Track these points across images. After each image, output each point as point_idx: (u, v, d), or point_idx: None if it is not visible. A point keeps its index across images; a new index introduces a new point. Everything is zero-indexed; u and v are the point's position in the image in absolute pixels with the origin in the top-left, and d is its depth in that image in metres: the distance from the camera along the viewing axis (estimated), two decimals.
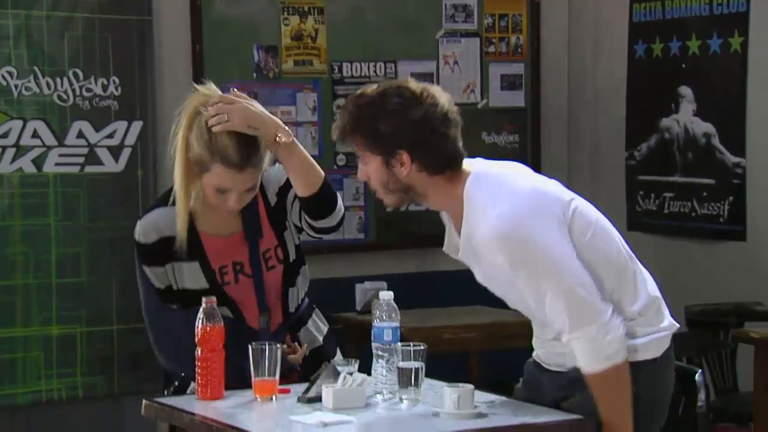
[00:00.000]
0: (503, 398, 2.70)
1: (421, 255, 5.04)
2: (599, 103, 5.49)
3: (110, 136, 4.63)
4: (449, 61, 5.28)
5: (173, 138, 2.84)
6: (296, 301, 2.98)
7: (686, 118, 5.03)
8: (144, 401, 2.75)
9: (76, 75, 4.56)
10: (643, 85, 5.24)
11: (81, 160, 4.58)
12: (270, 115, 2.83)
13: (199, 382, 2.70)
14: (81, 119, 4.57)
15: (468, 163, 2.62)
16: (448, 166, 2.56)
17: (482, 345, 4.40)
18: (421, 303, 4.68)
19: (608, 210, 5.88)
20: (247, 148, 2.77)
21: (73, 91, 4.56)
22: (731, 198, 4.83)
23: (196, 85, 2.91)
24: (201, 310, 2.71)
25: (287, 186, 2.91)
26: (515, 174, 2.63)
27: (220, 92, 2.88)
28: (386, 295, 2.76)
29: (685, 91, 5.03)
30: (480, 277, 2.65)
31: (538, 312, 2.59)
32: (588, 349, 2.50)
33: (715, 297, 4.74)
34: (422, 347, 2.63)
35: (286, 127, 2.82)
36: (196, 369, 2.70)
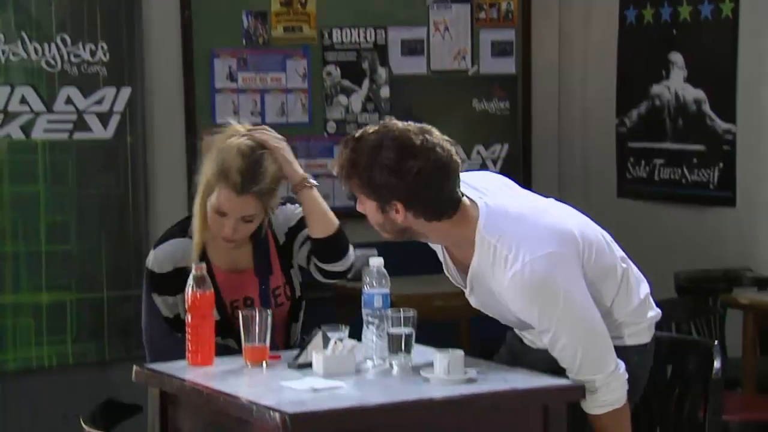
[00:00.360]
0: (493, 364, 2.71)
1: None
2: (590, 69, 5.48)
3: (99, 102, 4.60)
4: (440, 27, 5.26)
5: (198, 169, 2.90)
6: (297, 335, 3.03)
7: (677, 85, 5.02)
8: (134, 367, 2.75)
9: (63, 41, 4.53)
10: (634, 51, 5.23)
11: (70, 126, 4.56)
12: None
13: (189, 348, 2.70)
14: (69, 85, 4.55)
15: (469, 197, 2.59)
16: (444, 214, 2.56)
17: (473, 312, 4.41)
18: (412, 270, 4.69)
19: (598, 177, 5.93)
20: (250, 174, 2.80)
21: (61, 56, 4.53)
22: (721, 164, 4.83)
23: (230, 121, 2.95)
24: (191, 276, 2.70)
25: (297, 227, 2.97)
26: (525, 209, 2.61)
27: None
28: (376, 262, 2.76)
29: (676, 57, 5.01)
30: (475, 303, 2.70)
31: (531, 329, 2.63)
32: (593, 395, 2.57)
33: (705, 263, 4.75)
34: (412, 313, 2.64)
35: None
36: (186, 336, 2.71)
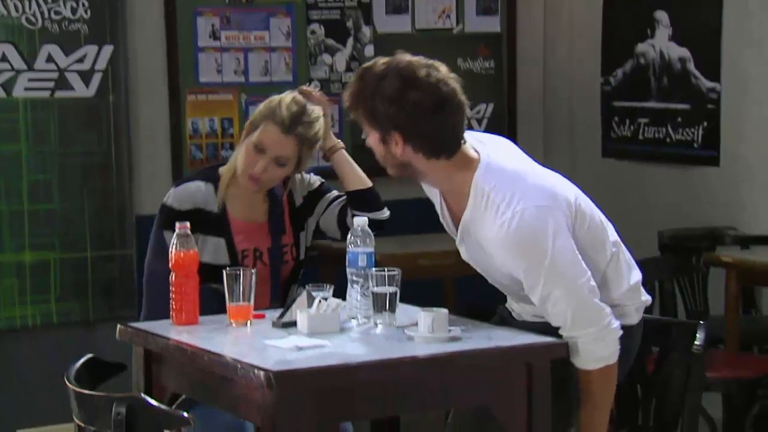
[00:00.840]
0: (477, 322, 2.72)
1: (397, 182, 5.00)
2: (575, 28, 5.45)
3: (80, 60, 4.56)
4: None
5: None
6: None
7: (662, 43, 5.01)
8: (118, 326, 2.75)
9: None
10: (619, 9, 5.20)
11: (51, 84, 4.52)
12: None
13: (174, 307, 2.70)
14: (50, 43, 4.50)
15: (473, 145, 2.61)
16: (442, 152, 2.56)
17: (457, 271, 4.41)
18: (397, 230, 4.68)
19: (583, 137, 5.93)
20: (299, 117, 2.98)
21: (42, 13, 4.48)
22: (705, 123, 4.84)
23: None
24: (174, 235, 2.70)
25: (319, 191, 3.12)
26: (524, 168, 2.63)
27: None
28: (361, 221, 2.76)
29: (661, 15, 5.00)
30: (465, 255, 2.70)
31: (518, 290, 2.63)
32: (586, 349, 2.56)
33: (688, 222, 4.77)
34: (396, 272, 2.64)
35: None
36: (171, 294, 2.70)
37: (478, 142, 2.64)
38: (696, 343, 2.73)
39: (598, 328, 2.55)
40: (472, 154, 2.60)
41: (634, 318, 2.70)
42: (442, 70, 2.57)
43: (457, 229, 2.66)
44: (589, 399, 2.58)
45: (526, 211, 2.50)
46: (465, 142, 2.59)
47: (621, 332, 2.58)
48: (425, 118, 2.52)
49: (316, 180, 3.17)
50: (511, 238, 2.51)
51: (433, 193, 2.74)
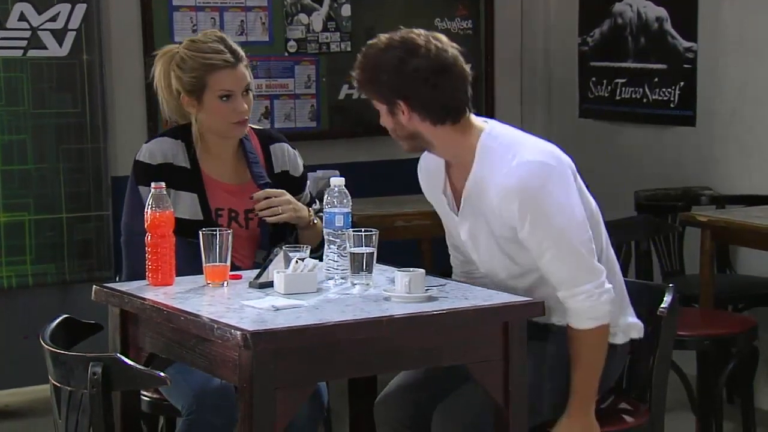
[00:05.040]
0: (454, 282, 2.72)
1: (373, 143, 5.02)
2: None
3: (53, 19, 4.51)
4: None
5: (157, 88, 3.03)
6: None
7: (639, 3, 5.00)
8: (94, 287, 2.73)
9: None
10: None
11: (23, 44, 4.47)
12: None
13: (149, 267, 2.68)
14: (22, 1, 4.44)
15: (481, 120, 2.70)
16: (447, 117, 2.63)
17: (434, 232, 4.43)
18: (373, 191, 4.69)
19: (560, 97, 5.93)
20: (228, 44, 2.97)
21: None
22: (682, 83, 4.84)
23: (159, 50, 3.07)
24: (150, 195, 2.68)
25: (298, 182, 3.07)
26: (528, 135, 2.71)
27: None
28: (337, 181, 2.75)
29: None
30: (465, 235, 2.72)
31: (512, 278, 2.66)
32: (582, 307, 2.60)
33: (664, 182, 4.79)
34: (374, 232, 2.63)
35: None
36: (146, 255, 2.69)
37: (482, 120, 2.72)
38: (661, 306, 2.75)
39: (595, 284, 2.59)
40: (478, 122, 2.69)
41: (618, 338, 2.72)
42: (443, 39, 2.65)
43: (458, 206, 2.71)
44: (582, 360, 2.62)
45: (532, 162, 2.58)
46: (471, 112, 2.67)
47: (613, 295, 2.62)
48: (427, 83, 2.59)
49: (299, 165, 3.10)
50: (515, 182, 2.56)
51: (434, 174, 2.77)
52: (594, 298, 2.59)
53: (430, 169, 2.79)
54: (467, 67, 2.64)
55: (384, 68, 2.60)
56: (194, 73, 2.94)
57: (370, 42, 2.68)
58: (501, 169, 2.59)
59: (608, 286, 2.61)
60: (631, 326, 2.75)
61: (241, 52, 2.99)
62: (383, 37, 2.66)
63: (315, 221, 3.00)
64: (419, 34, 2.64)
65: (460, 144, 2.66)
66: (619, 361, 2.76)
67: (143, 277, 2.71)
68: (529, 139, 2.68)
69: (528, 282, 2.68)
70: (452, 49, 2.64)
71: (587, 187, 2.74)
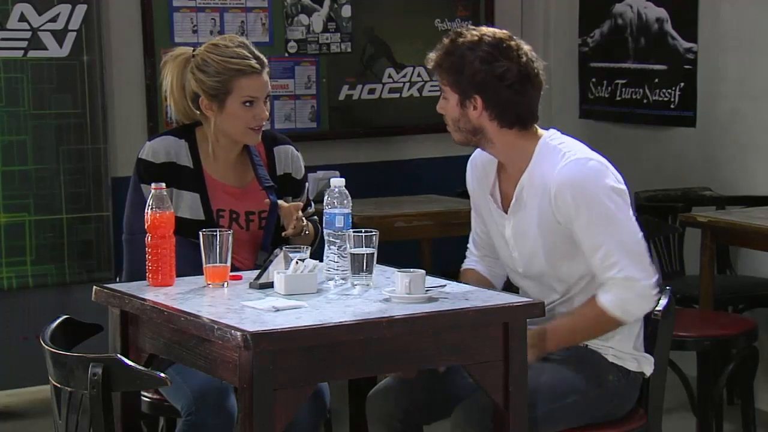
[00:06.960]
0: (454, 283, 2.72)
1: (373, 144, 5.01)
2: None
3: (53, 20, 4.51)
4: None
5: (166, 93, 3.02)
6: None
7: (639, 3, 5.00)
8: (94, 287, 2.73)
9: None
10: None
11: (24, 44, 4.48)
12: None
13: (150, 268, 2.68)
14: (23, 2, 4.45)
15: (543, 129, 2.76)
16: (518, 122, 2.68)
17: (434, 233, 4.43)
18: (374, 192, 4.69)
19: (561, 98, 5.92)
20: (253, 51, 2.97)
21: None
22: (682, 84, 4.84)
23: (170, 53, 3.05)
24: (150, 196, 2.68)
25: (298, 186, 3.08)
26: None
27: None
28: (338, 182, 2.75)
29: None
30: (509, 232, 2.75)
31: (556, 270, 2.70)
32: (620, 294, 2.63)
33: (665, 183, 4.79)
34: (374, 233, 2.63)
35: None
36: (146, 256, 2.69)
37: (544, 129, 2.77)
38: (656, 309, 2.75)
39: (650, 283, 2.62)
40: (540, 131, 2.74)
41: (631, 365, 2.73)
42: (527, 48, 2.70)
43: (505, 207, 2.75)
44: (584, 323, 2.67)
45: (589, 159, 2.65)
46: (537, 121, 2.72)
47: (655, 304, 2.67)
48: (510, 87, 2.64)
49: (301, 168, 3.11)
50: (571, 174, 2.61)
51: (485, 172, 2.79)
52: (634, 294, 2.62)
53: (481, 167, 2.82)
54: (543, 79, 2.70)
55: (473, 59, 2.63)
56: (219, 77, 2.92)
57: (458, 30, 2.71)
58: (556, 165, 2.64)
59: (655, 291, 2.65)
60: (642, 358, 2.75)
61: (264, 59, 2.99)
62: (474, 29, 2.69)
63: (306, 232, 3.01)
64: (510, 36, 2.69)
65: (520, 149, 2.70)
66: (630, 389, 2.75)
67: (143, 275, 2.71)
68: (586, 147, 2.73)
69: (565, 286, 2.71)
70: (539, 61, 2.70)
71: None
